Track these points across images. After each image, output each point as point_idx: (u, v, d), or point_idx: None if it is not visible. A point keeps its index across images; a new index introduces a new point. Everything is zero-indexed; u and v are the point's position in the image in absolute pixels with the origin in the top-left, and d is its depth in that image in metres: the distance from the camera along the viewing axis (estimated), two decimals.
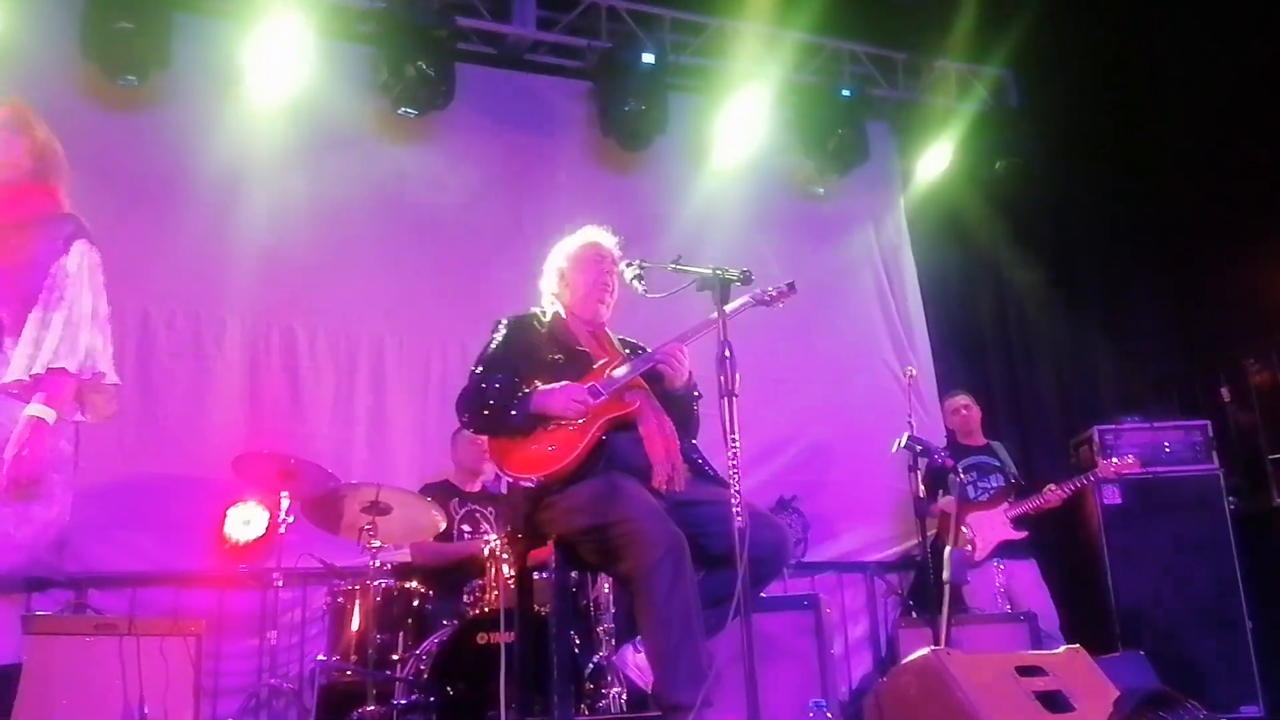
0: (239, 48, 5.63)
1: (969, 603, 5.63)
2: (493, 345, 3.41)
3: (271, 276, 5.73)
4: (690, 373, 3.31)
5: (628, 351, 3.47)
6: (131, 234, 5.46)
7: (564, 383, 3.21)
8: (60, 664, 3.66)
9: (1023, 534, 5.70)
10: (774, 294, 3.28)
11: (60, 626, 3.84)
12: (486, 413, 3.25)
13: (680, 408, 3.33)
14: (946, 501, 5.78)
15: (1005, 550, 5.70)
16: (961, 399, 6.27)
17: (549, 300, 3.56)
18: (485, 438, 5.02)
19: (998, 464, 6.05)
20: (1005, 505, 5.77)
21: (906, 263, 7.32)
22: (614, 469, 3.13)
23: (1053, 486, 5.67)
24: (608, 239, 3.58)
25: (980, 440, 6.18)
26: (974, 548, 5.70)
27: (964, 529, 5.76)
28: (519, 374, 3.30)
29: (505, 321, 3.46)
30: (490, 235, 6.20)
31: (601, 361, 3.35)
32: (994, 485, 5.96)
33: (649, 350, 3.35)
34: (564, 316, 3.50)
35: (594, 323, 3.50)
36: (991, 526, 5.74)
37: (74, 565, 4.99)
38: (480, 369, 3.35)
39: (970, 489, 5.94)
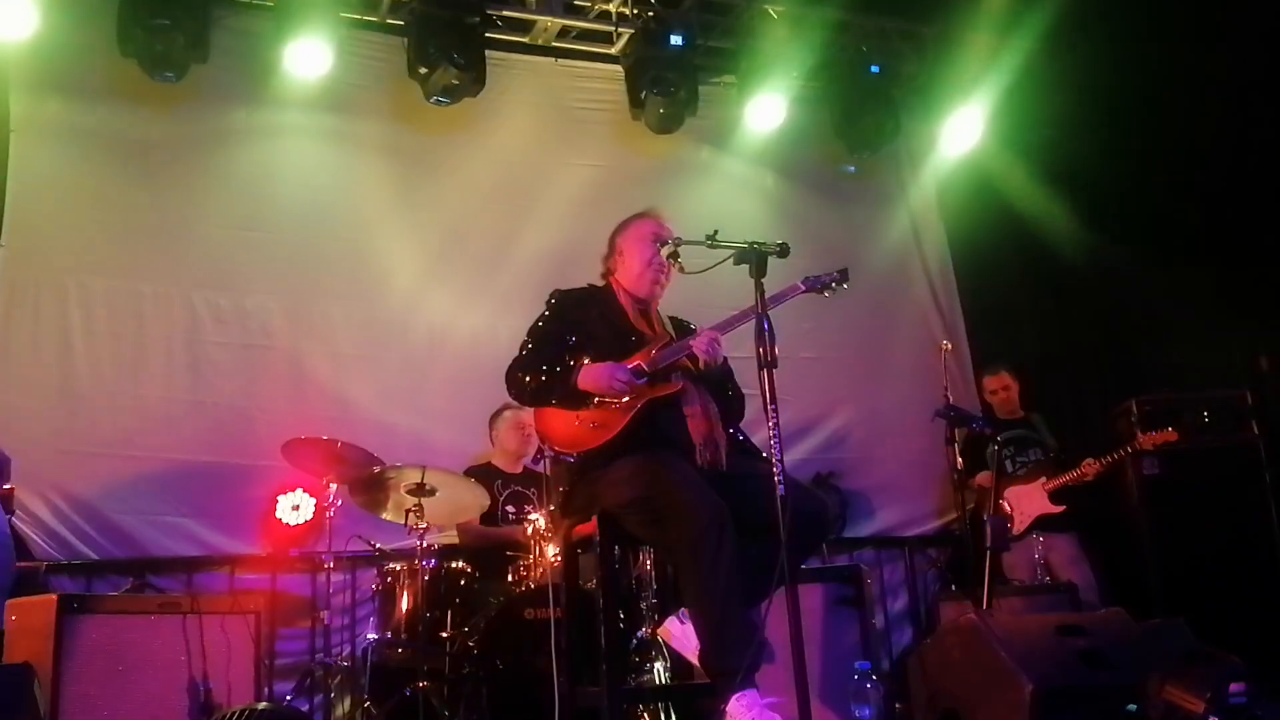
0: (273, 40, 5.71)
1: (1009, 575, 5.62)
2: (543, 319, 3.47)
3: (310, 265, 5.85)
4: (725, 359, 3.33)
5: (675, 331, 3.51)
6: (175, 227, 5.61)
7: (609, 361, 3.27)
8: (125, 641, 3.77)
9: (1060, 508, 5.66)
10: (826, 280, 3.30)
11: (125, 605, 3.95)
12: (533, 385, 3.32)
13: (717, 389, 3.38)
14: (984, 475, 5.78)
15: (1044, 523, 5.69)
16: (999, 379, 6.20)
17: (604, 276, 3.60)
18: (529, 419, 5.14)
19: (1036, 437, 6.01)
20: (1043, 479, 5.74)
21: (939, 237, 7.32)
22: (657, 445, 3.19)
23: (1090, 460, 5.61)
24: (666, 219, 3.55)
25: (1019, 414, 6.14)
26: (1012, 521, 5.69)
27: (1003, 503, 5.74)
28: (568, 348, 3.36)
29: (557, 296, 3.51)
30: (523, 221, 6.27)
31: (649, 340, 3.39)
32: (1032, 459, 5.92)
33: (696, 329, 3.40)
34: (616, 293, 3.53)
35: (646, 301, 3.53)
36: (1030, 500, 5.74)
37: (131, 551, 5.15)
38: (530, 342, 3.42)
39: (1008, 463, 5.92)
